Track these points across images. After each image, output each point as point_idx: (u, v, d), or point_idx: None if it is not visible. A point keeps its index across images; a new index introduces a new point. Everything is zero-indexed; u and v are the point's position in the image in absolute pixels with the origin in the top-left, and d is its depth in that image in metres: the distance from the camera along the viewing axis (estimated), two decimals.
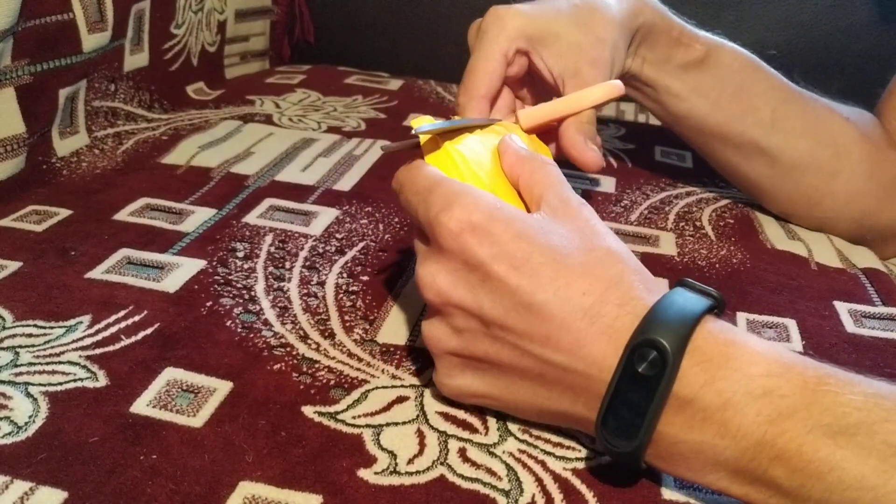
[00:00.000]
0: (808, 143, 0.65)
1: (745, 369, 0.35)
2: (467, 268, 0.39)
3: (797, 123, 0.65)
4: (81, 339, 0.46)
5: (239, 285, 0.53)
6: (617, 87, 0.54)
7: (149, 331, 0.47)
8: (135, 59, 0.78)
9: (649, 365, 0.35)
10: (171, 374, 0.44)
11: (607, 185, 0.75)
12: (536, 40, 0.54)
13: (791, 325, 0.54)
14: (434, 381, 0.43)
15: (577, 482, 0.39)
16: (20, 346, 0.45)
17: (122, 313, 0.49)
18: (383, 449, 0.40)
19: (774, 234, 0.68)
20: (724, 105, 0.64)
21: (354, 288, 0.54)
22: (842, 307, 0.57)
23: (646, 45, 0.61)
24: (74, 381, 0.43)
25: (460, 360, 0.41)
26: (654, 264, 0.60)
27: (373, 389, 0.44)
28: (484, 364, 0.40)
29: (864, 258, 0.66)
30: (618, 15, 0.57)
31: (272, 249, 0.57)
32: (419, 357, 0.47)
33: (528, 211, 0.43)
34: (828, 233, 0.69)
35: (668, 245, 0.63)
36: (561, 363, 0.37)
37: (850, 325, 0.55)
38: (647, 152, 0.84)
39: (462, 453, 0.40)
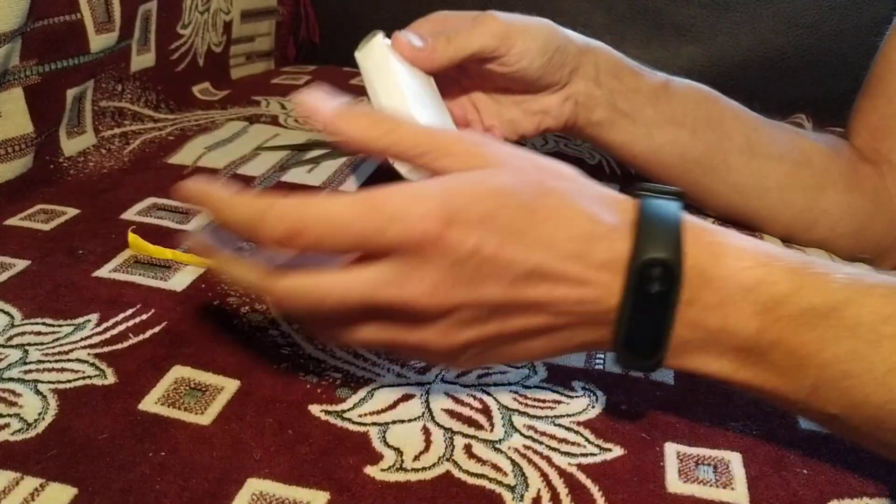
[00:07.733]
0: (787, 165, 0.66)
1: (734, 264, 0.37)
2: (458, 265, 0.35)
3: (771, 149, 0.66)
4: (90, 336, 0.47)
5: None
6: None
7: (156, 329, 0.48)
8: (141, 60, 0.79)
9: (659, 282, 0.36)
10: (178, 372, 0.44)
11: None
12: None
13: None
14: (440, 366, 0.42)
15: (582, 477, 0.39)
16: (29, 344, 0.46)
17: (129, 311, 0.49)
18: (389, 446, 0.41)
19: (773, 238, 0.68)
20: (701, 133, 0.64)
21: None
22: None
23: (611, 77, 0.62)
24: (83, 378, 0.43)
25: (471, 342, 0.38)
26: None
27: (378, 388, 0.45)
28: (498, 339, 0.38)
29: (861, 268, 0.66)
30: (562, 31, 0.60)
31: None
32: None
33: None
34: (828, 251, 0.69)
35: None
36: (572, 309, 0.37)
37: None
38: None
39: (468, 449, 0.41)
